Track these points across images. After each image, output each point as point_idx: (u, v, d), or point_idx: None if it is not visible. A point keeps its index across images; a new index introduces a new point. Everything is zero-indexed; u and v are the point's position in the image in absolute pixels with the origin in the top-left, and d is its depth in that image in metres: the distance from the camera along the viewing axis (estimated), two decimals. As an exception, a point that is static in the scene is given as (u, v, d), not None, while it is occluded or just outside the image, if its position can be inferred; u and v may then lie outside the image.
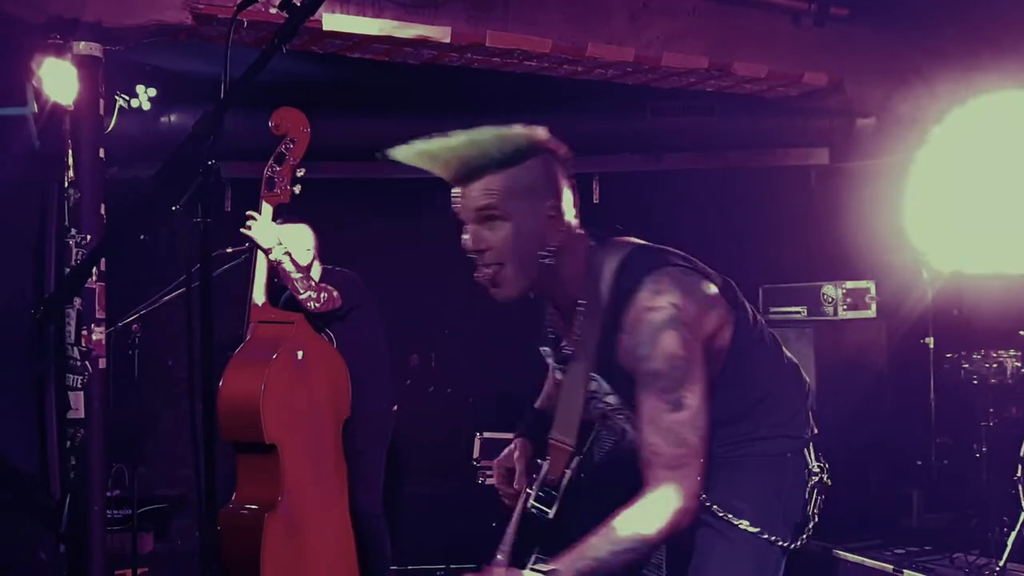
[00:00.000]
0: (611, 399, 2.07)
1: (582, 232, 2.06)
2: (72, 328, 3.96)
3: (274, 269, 4.00)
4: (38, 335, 4.00)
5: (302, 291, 4.01)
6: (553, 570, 1.82)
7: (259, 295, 3.99)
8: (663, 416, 1.89)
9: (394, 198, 6.51)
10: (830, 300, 5.42)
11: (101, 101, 4.12)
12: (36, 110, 4.34)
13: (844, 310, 5.38)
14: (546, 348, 2.26)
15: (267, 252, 3.94)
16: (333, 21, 4.08)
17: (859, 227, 5.55)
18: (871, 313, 5.46)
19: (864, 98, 5.46)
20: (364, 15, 4.15)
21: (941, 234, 5.28)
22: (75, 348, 3.98)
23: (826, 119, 6.02)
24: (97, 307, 4.07)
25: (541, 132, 2.00)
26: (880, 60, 5.16)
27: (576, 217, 2.05)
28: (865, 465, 5.50)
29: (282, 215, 4.16)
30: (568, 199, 2.03)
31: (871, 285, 5.48)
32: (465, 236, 1.98)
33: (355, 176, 6.36)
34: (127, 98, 5.29)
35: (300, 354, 3.95)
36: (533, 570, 1.88)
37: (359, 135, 6.05)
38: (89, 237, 3.99)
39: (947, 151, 5.31)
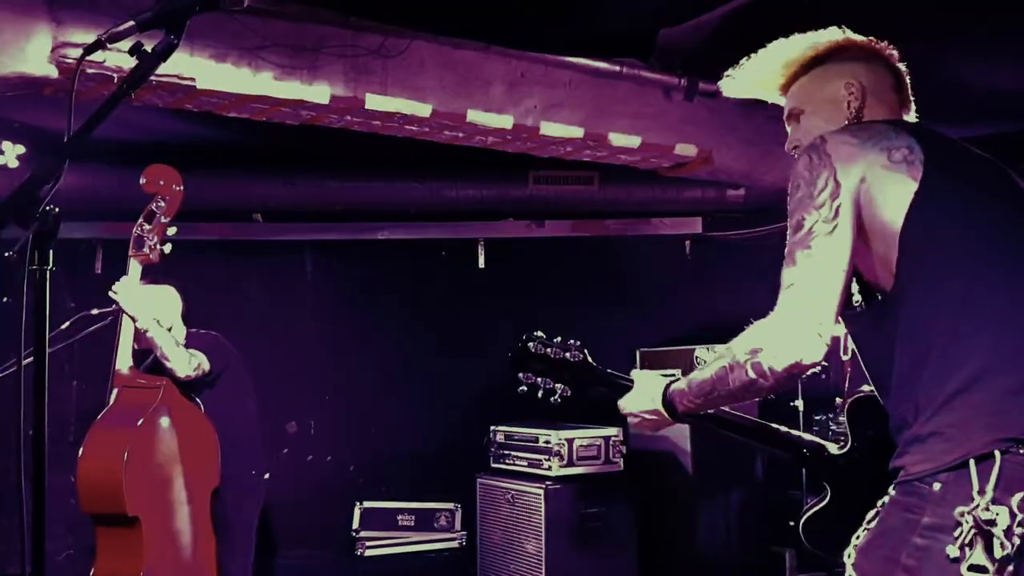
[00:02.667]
0: None
1: (889, 115, 2.06)
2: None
3: (140, 333, 3.88)
4: None
5: (171, 359, 3.90)
6: (676, 387, 2.08)
7: (124, 360, 3.85)
8: (789, 238, 1.85)
9: (273, 259, 6.42)
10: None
11: (-40, 155, 3.94)
12: None
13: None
14: None
15: (134, 319, 3.82)
16: (208, 79, 4.03)
17: (732, 294, 5.75)
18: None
19: (732, 170, 5.71)
20: (240, 70, 4.12)
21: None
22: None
23: (698, 190, 6.27)
24: (-57, 370, 3.84)
25: (844, 31, 2.08)
26: (746, 133, 5.42)
27: (897, 101, 2.09)
28: (740, 524, 5.62)
29: (150, 275, 4.05)
30: (882, 80, 2.07)
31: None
32: None
33: (231, 237, 6.25)
34: (-7, 156, 5.10)
35: (166, 421, 3.81)
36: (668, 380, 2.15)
37: (234, 195, 5.98)
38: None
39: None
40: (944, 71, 4.57)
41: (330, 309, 6.49)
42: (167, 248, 3.86)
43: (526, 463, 5.69)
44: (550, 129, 4.78)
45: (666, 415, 2.12)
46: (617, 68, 4.72)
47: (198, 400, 4.14)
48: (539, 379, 2.46)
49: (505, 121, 4.66)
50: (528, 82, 4.71)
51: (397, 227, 6.38)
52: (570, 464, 5.53)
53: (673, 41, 4.57)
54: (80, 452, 3.67)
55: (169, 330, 4.07)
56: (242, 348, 4.57)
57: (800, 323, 1.77)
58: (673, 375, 2.21)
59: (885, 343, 1.82)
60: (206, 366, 4.06)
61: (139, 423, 3.69)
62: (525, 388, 2.45)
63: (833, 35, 2.08)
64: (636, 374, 2.29)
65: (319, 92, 4.29)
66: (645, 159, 5.36)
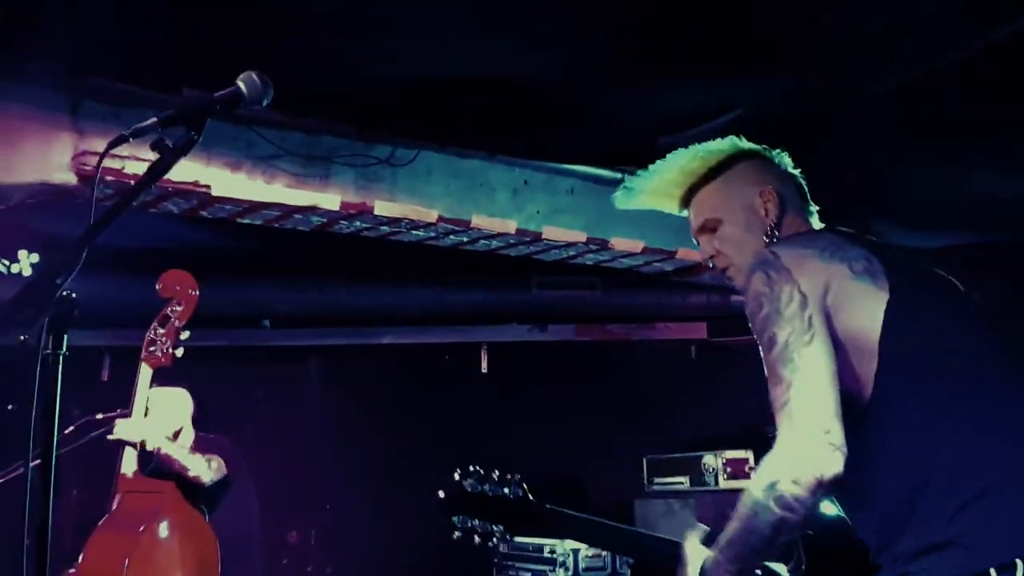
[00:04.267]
0: None
1: (806, 222, 2.04)
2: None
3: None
4: None
5: (192, 469, 3.87)
6: (711, 559, 1.83)
7: (129, 465, 3.83)
8: (767, 360, 1.73)
9: (279, 365, 6.45)
10: (711, 470, 5.53)
11: (-24, 259, 4.03)
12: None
13: (725, 479, 5.48)
14: None
15: (143, 445, 3.80)
16: (223, 186, 4.16)
17: (739, 398, 5.73)
18: (751, 482, 5.57)
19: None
20: (255, 181, 4.25)
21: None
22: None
23: (703, 295, 6.33)
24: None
25: (741, 140, 2.07)
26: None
27: (803, 206, 2.06)
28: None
29: (160, 379, 4.06)
30: (787, 186, 2.05)
31: (750, 455, 5.62)
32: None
33: (239, 343, 6.30)
34: (7, 263, 5.19)
35: (169, 528, 3.76)
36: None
37: (242, 302, 6.05)
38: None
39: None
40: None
41: (334, 414, 6.49)
42: (179, 352, 3.87)
43: (530, 574, 5.57)
44: (553, 233, 4.89)
45: None
46: (618, 175, 4.86)
47: (202, 506, 4.09)
48: (475, 522, 2.19)
49: (509, 226, 4.78)
50: (531, 188, 4.84)
51: (401, 332, 6.43)
52: (576, 576, 5.42)
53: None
54: (81, 557, 3.61)
55: (177, 434, 4.06)
56: (245, 454, 4.55)
57: (807, 439, 1.64)
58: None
59: (864, 454, 1.69)
60: (224, 468, 4.04)
61: (141, 530, 3.63)
62: (459, 534, 2.19)
63: (732, 144, 2.07)
64: (690, 552, 2.00)
65: (330, 199, 4.42)
66: (648, 263, 5.45)
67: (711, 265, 2.07)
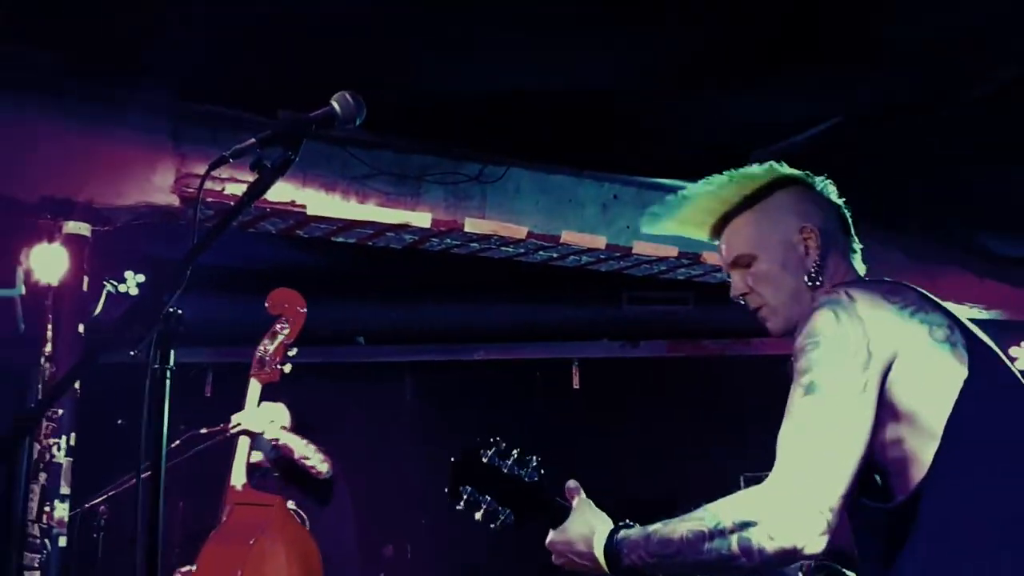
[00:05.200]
0: None
1: (854, 269, 1.86)
2: (35, 504, 3.86)
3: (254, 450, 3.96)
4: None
5: (310, 458, 3.95)
6: (627, 536, 1.69)
7: (239, 477, 3.93)
8: (794, 400, 1.57)
9: (373, 381, 6.54)
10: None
11: (85, 279, 4.22)
12: (23, 292, 4.44)
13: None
14: None
15: (262, 434, 3.90)
16: (318, 206, 4.26)
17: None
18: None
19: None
20: (349, 201, 4.34)
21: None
22: (35, 525, 3.86)
23: (799, 309, 6.16)
24: (63, 482, 4.00)
25: (781, 166, 1.90)
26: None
27: (847, 243, 1.88)
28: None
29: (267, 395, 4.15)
30: (830, 220, 1.87)
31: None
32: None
33: (331, 360, 6.42)
34: (115, 284, 5.40)
35: (278, 540, 3.83)
36: (620, 526, 1.75)
37: (337, 320, 6.17)
38: (62, 412, 3.97)
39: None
40: None
41: (428, 430, 6.54)
42: (287, 368, 3.95)
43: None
44: (643, 248, 4.84)
45: (603, 565, 1.72)
46: (710, 188, 4.78)
47: (305, 519, 4.16)
48: (484, 496, 1.98)
49: (598, 241, 4.75)
50: (620, 202, 4.81)
51: (493, 348, 6.45)
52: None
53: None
54: (195, 567, 3.71)
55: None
56: (342, 469, 4.61)
57: (807, 508, 1.49)
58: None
59: (899, 540, 1.57)
60: (332, 467, 4.11)
61: (252, 542, 3.72)
62: (462, 507, 1.97)
63: (770, 169, 1.89)
64: (580, 503, 1.86)
65: (422, 217, 4.48)
66: (741, 277, 5.35)
67: (741, 303, 1.90)
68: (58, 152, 4.02)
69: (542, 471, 2.01)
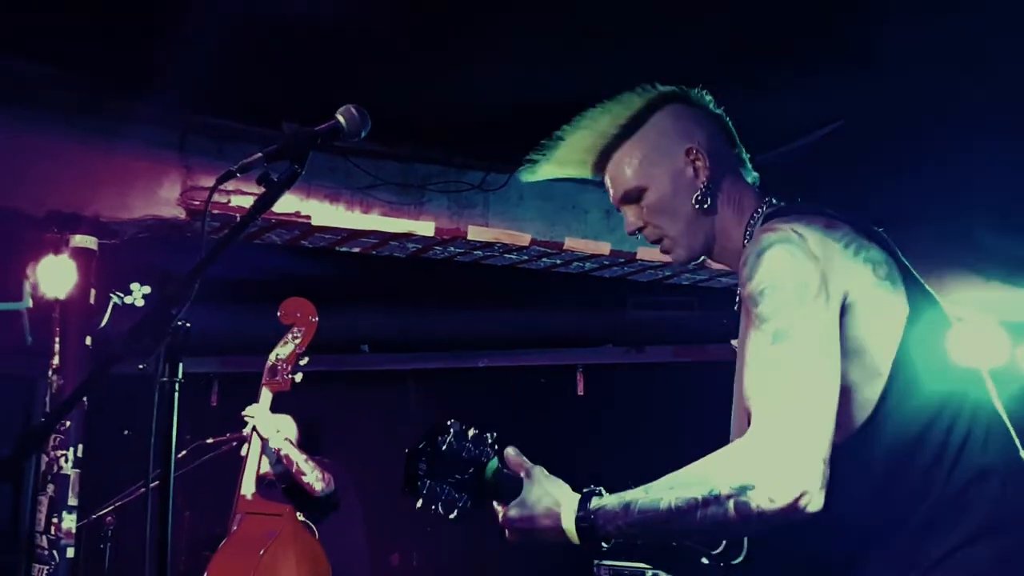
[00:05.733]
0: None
1: (750, 189, 1.79)
2: (43, 516, 3.88)
3: (264, 459, 3.98)
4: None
5: (306, 474, 3.97)
6: (600, 505, 1.56)
7: (248, 486, 3.95)
8: (761, 349, 1.48)
9: (375, 391, 6.56)
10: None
11: (92, 291, 4.24)
12: (31, 305, 4.46)
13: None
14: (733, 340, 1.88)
15: (267, 440, 3.93)
16: (323, 216, 4.28)
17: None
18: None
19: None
20: (353, 211, 4.36)
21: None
22: (43, 536, 3.88)
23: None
24: (70, 494, 4.02)
25: (655, 87, 1.80)
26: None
27: (742, 169, 1.80)
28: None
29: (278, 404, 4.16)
30: (715, 135, 1.78)
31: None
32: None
33: (336, 368, 6.44)
34: (121, 296, 5.42)
35: (287, 550, 3.84)
36: (586, 492, 1.61)
37: (342, 328, 6.18)
38: (69, 424, 3.99)
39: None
40: None
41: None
42: (298, 377, 3.98)
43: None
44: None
45: (573, 536, 1.60)
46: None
47: (314, 528, 4.17)
48: (440, 486, 1.75)
49: (602, 247, 4.77)
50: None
51: (497, 355, 6.47)
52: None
53: (768, 166, 4.64)
54: (206, 574, 3.73)
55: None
56: (352, 479, 4.62)
57: (803, 458, 1.41)
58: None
59: (841, 478, 1.48)
60: (332, 484, 4.12)
61: (261, 552, 3.73)
62: (420, 503, 1.73)
63: (644, 92, 1.80)
64: (535, 473, 1.70)
65: (425, 226, 4.50)
66: (747, 282, 5.36)
67: (639, 237, 1.82)
68: (65, 166, 4.05)
69: (496, 447, 1.83)
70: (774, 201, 1.76)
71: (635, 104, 1.80)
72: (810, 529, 1.45)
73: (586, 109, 1.85)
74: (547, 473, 1.70)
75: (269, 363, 3.94)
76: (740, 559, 1.65)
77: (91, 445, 4.29)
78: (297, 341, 3.96)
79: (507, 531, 1.69)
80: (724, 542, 1.64)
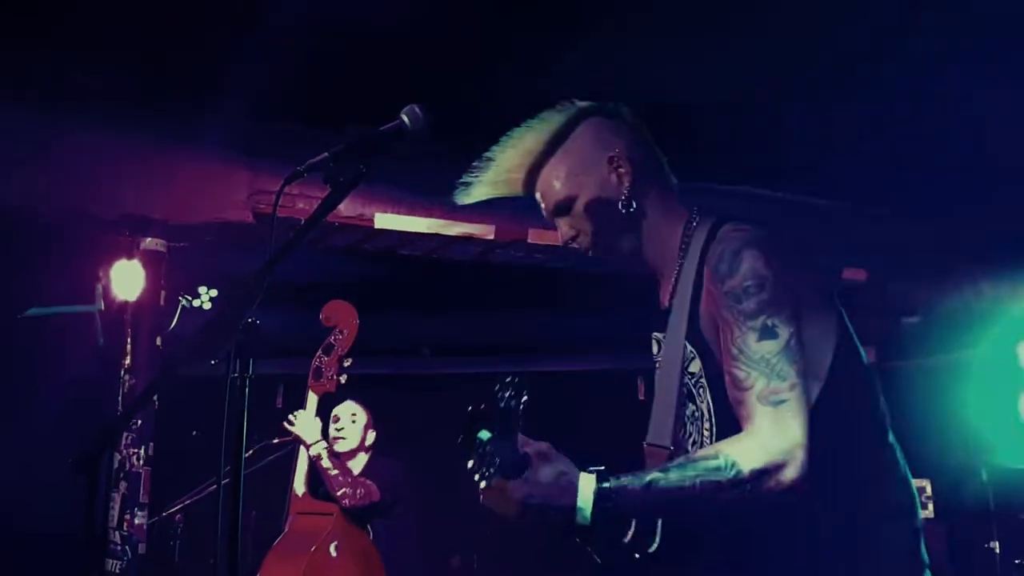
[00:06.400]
0: (695, 366, 1.77)
1: (675, 196, 1.88)
2: (115, 512, 3.98)
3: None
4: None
5: (337, 488, 4.00)
6: (620, 484, 1.58)
7: (299, 485, 4.01)
8: (750, 344, 1.61)
9: (436, 394, 6.58)
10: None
11: (162, 293, 4.34)
12: (103, 308, 4.59)
13: (899, 509, 5.20)
14: (656, 333, 1.97)
15: (307, 446, 3.98)
16: (385, 219, 4.32)
17: (911, 425, 5.43)
18: (929, 513, 5.27)
19: (908, 296, 5.50)
20: (414, 214, 4.39)
21: (1004, 431, 5.16)
22: (116, 532, 3.98)
23: (869, 317, 6.04)
24: (142, 491, 4.11)
25: (575, 103, 1.89)
26: (923, 259, 5.24)
27: (664, 175, 1.89)
28: None
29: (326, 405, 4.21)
30: (635, 142, 1.87)
31: (927, 484, 5.31)
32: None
33: (398, 372, 6.48)
34: (189, 299, 5.54)
35: (337, 548, 3.89)
36: (593, 472, 1.60)
37: (403, 332, 6.22)
38: (140, 422, 4.08)
39: (1008, 346, 5.31)
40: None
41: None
42: (343, 379, 4.03)
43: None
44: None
45: (587, 514, 1.58)
46: (777, 193, 4.73)
47: (368, 528, 4.20)
48: (487, 447, 1.68)
49: (665, 250, 4.72)
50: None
51: (557, 359, 6.45)
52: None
53: (836, 166, 4.56)
54: (258, 574, 3.79)
55: (359, 449, 4.23)
56: (411, 479, 4.64)
57: (800, 453, 1.56)
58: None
59: None
60: (374, 496, 4.14)
61: (312, 550, 3.78)
62: (472, 462, 1.68)
63: (564, 109, 1.89)
64: (547, 448, 1.66)
65: (486, 229, 4.51)
66: (811, 285, 5.27)
67: (575, 246, 1.89)
68: (135, 170, 4.15)
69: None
70: (696, 214, 1.84)
71: (556, 121, 1.88)
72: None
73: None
74: (554, 449, 1.67)
75: (314, 365, 4.00)
76: (654, 548, 1.73)
77: (160, 446, 4.39)
78: (339, 343, 4.02)
79: (510, 506, 1.63)
80: (632, 531, 1.73)
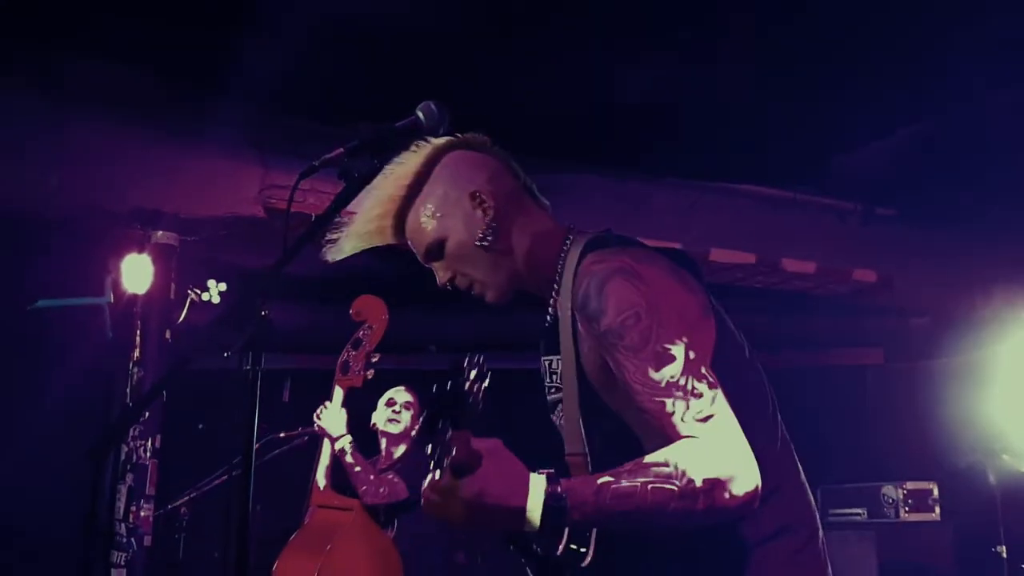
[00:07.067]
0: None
1: (549, 219, 1.85)
2: (122, 504, 3.99)
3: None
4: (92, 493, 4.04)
5: (360, 485, 4.01)
6: (570, 486, 1.46)
7: (321, 478, 4.01)
8: (650, 375, 1.53)
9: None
10: (891, 501, 5.23)
11: (172, 286, 4.35)
12: (112, 300, 4.60)
13: (906, 512, 5.18)
14: (543, 357, 1.93)
15: (333, 440, 3.98)
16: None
17: (918, 427, 5.43)
18: (935, 516, 5.24)
19: (917, 297, 5.49)
20: (424, 210, 4.38)
21: (1013, 434, 5.15)
22: (122, 524, 3.99)
23: (878, 318, 6.03)
24: (148, 484, 4.13)
25: (427, 142, 1.84)
26: (932, 260, 5.23)
27: (533, 200, 1.86)
28: None
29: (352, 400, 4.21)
30: (496, 171, 1.84)
31: (933, 486, 5.29)
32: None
33: (403, 367, 6.47)
34: (198, 292, 5.55)
35: (354, 544, 3.88)
36: (543, 473, 1.49)
37: (410, 327, 6.22)
38: (148, 414, 4.09)
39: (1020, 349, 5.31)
40: None
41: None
42: (370, 374, 4.03)
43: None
44: (721, 255, 4.79)
45: (535, 519, 1.46)
46: (789, 194, 4.72)
47: (394, 523, 4.19)
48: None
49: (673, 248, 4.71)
50: (696, 208, 4.77)
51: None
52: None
53: (847, 167, 4.55)
54: (275, 567, 3.79)
55: (405, 435, 4.24)
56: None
57: (750, 463, 1.50)
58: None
59: None
60: (399, 495, 4.13)
61: (328, 547, 3.78)
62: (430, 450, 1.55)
63: (419, 151, 1.83)
64: (495, 447, 1.51)
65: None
66: (821, 285, 5.26)
67: (450, 288, 1.86)
68: (146, 164, 4.16)
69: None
70: (573, 237, 1.79)
71: (414, 162, 1.83)
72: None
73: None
74: (504, 447, 1.52)
75: (341, 360, 4.00)
76: (587, 563, 1.61)
77: (166, 439, 4.40)
78: (368, 338, 4.02)
79: (455, 506, 1.46)
80: (564, 544, 1.61)
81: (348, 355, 3.98)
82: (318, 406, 4.03)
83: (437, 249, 1.83)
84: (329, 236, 1.90)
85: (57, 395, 5.27)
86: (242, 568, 1.72)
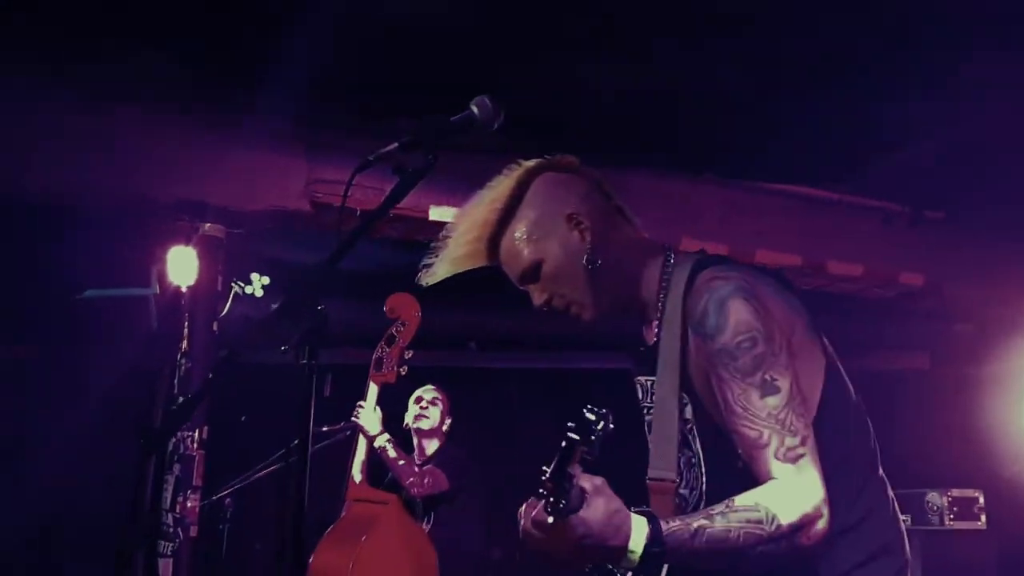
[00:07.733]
0: (687, 412, 1.76)
1: (643, 237, 1.89)
2: (168, 494, 4.04)
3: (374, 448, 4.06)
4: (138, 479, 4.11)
5: (406, 478, 4.04)
6: (670, 529, 1.52)
7: (357, 472, 4.05)
8: (753, 402, 1.59)
9: (481, 388, 6.57)
10: (935, 508, 5.16)
11: (219, 279, 4.40)
12: (158, 291, 4.66)
13: (951, 520, 5.10)
14: (640, 377, 1.94)
15: (370, 438, 4.02)
16: (439, 211, 4.34)
17: (963, 433, 5.34)
18: (981, 524, 5.16)
19: (963, 302, 5.40)
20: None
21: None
22: (169, 515, 4.05)
23: (924, 322, 5.94)
24: (195, 474, 4.18)
25: (519, 165, 1.88)
26: (980, 264, 5.14)
27: (625, 219, 1.89)
28: None
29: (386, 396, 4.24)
30: (588, 191, 1.86)
31: (979, 494, 5.21)
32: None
33: (442, 364, 6.48)
34: (242, 285, 5.60)
35: (390, 537, 3.91)
36: (642, 512, 1.54)
37: (451, 324, 6.22)
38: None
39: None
40: None
41: (535, 436, 6.55)
42: (404, 370, 4.06)
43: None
44: (765, 257, 4.74)
45: (635, 558, 1.51)
46: (835, 195, 4.66)
47: (430, 515, 4.21)
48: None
49: (720, 248, 4.68)
50: (740, 209, 4.73)
51: (602, 357, 6.42)
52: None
53: (889, 168, 4.49)
54: (312, 559, 3.83)
55: (437, 430, 4.29)
56: (471, 471, 4.62)
57: (823, 505, 1.56)
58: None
59: None
60: (442, 486, 4.16)
61: (363, 539, 3.81)
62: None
63: (511, 176, 1.86)
64: (600, 485, 1.54)
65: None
66: (867, 288, 5.18)
67: (547, 310, 1.86)
68: (193, 156, 4.21)
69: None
70: (671, 257, 1.82)
71: (506, 185, 1.85)
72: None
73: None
74: (607, 486, 1.56)
75: (376, 356, 4.04)
76: None
77: (212, 431, 4.44)
78: (402, 335, 4.04)
79: (562, 545, 1.51)
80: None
81: (382, 352, 4.04)
82: (358, 401, 4.07)
83: (533, 272, 1.84)
84: (424, 261, 1.94)
85: (104, 384, 5.35)
86: (298, 557, 1.74)
